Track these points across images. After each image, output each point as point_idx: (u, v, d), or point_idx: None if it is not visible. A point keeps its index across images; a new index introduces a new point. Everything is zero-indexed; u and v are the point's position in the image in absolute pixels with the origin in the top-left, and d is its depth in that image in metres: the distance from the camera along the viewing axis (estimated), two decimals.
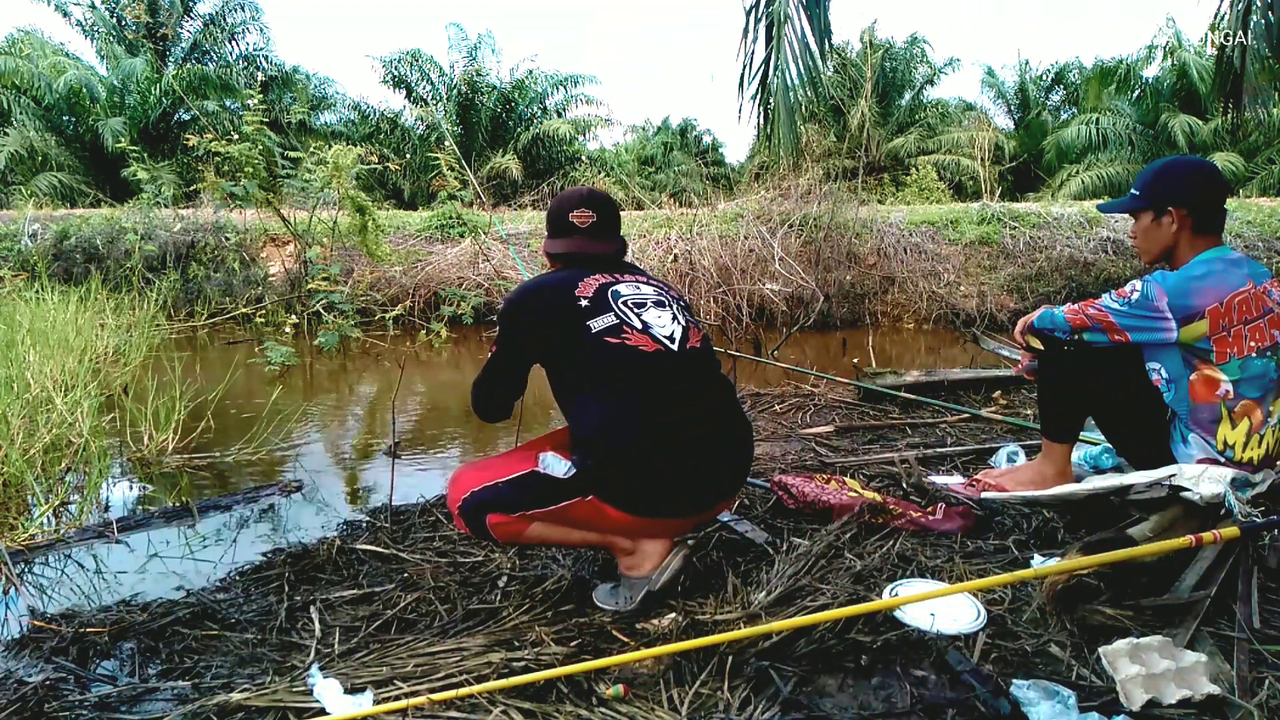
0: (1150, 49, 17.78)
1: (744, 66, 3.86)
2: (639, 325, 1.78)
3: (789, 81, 3.74)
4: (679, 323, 1.84)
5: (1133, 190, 2.19)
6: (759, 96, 3.87)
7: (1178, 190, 2.10)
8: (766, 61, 3.78)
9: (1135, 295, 2.06)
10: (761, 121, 3.94)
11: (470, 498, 1.77)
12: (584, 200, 1.92)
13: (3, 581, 2.21)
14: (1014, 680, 1.42)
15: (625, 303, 1.81)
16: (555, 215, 1.93)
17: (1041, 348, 2.29)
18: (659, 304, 1.85)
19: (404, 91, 19.02)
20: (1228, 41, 4.18)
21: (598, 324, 1.76)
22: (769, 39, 3.73)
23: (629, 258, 2.15)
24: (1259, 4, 4.04)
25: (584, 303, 1.78)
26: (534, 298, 1.85)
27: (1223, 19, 4.27)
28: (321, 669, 1.56)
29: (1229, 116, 4.60)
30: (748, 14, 3.78)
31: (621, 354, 1.74)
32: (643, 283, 1.89)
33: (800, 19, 3.67)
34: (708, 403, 1.83)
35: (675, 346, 1.79)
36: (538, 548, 2.20)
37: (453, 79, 18.74)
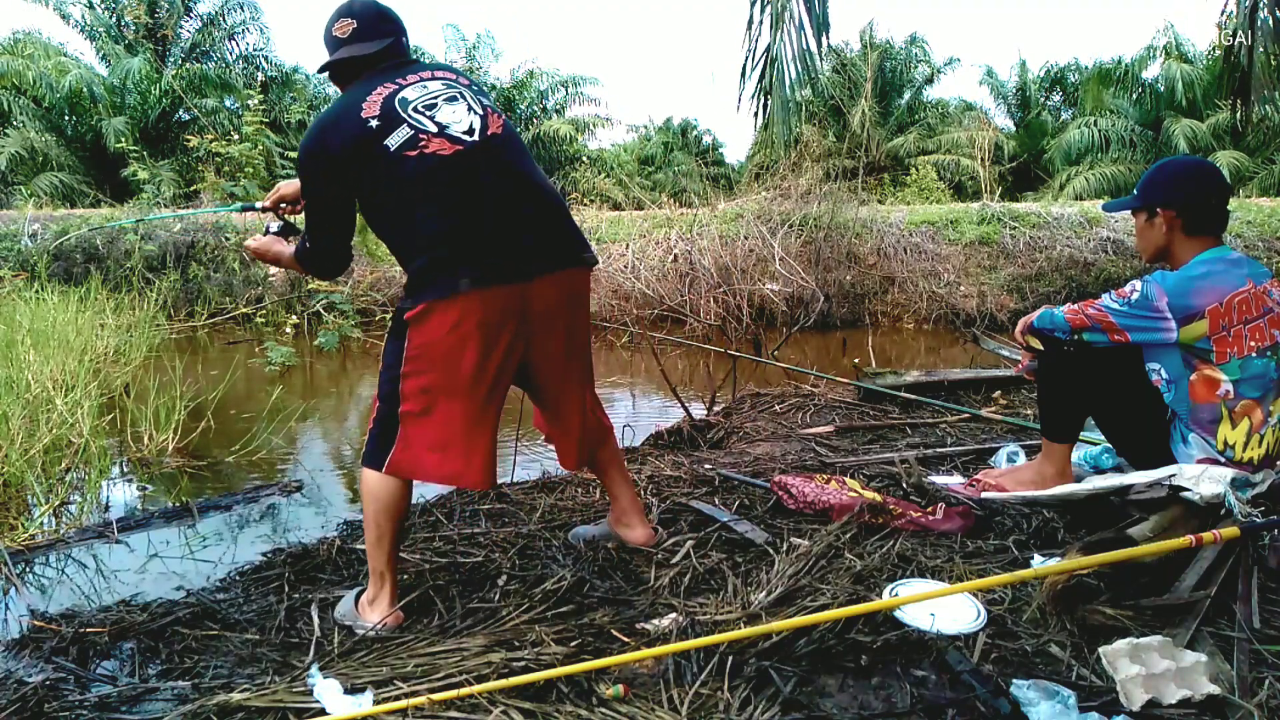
0: (1150, 49, 17.79)
1: (746, 59, 3.86)
2: (434, 129, 1.73)
3: (786, 76, 3.74)
4: (475, 113, 1.79)
5: (1135, 189, 2.20)
6: (758, 89, 3.87)
7: (1167, 192, 2.11)
8: (767, 53, 3.79)
9: (1135, 295, 2.06)
10: (760, 114, 3.95)
11: (373, 459, 1.80)
12: (342, 12, 1.87)
13: (3, 581, 2.21)
14: (1014, 680, 1.42)
15: (415, 109, 1.75)
16: (324, 37, 1.88)
17: (1041, 348, 2.30)
18: (451, 99, 1.79)
19: None
20: (1234, 40, 4.19)
21: (394, 141, 1.70)
22: (772, 31, 3.74)
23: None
24: (1266, 2, 4.04)
25: (374, 124, 1.72)
26: (329, 134, 1.77)
27: (1230, 17, 4.27)
28: (321, 669, 1.56)
29: (1237, 115, 4.59)
30: (752, 6, 3.79)
31: (423, 165, 1.70)
32: (428, 79, 1.82)
33: (799, 10, 3.67)
34: (516, 183, 1.79)
35: (476, 138, 1.75)
36: (539, 550, 2.20)
37: None
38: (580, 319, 1.95)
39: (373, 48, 1.84)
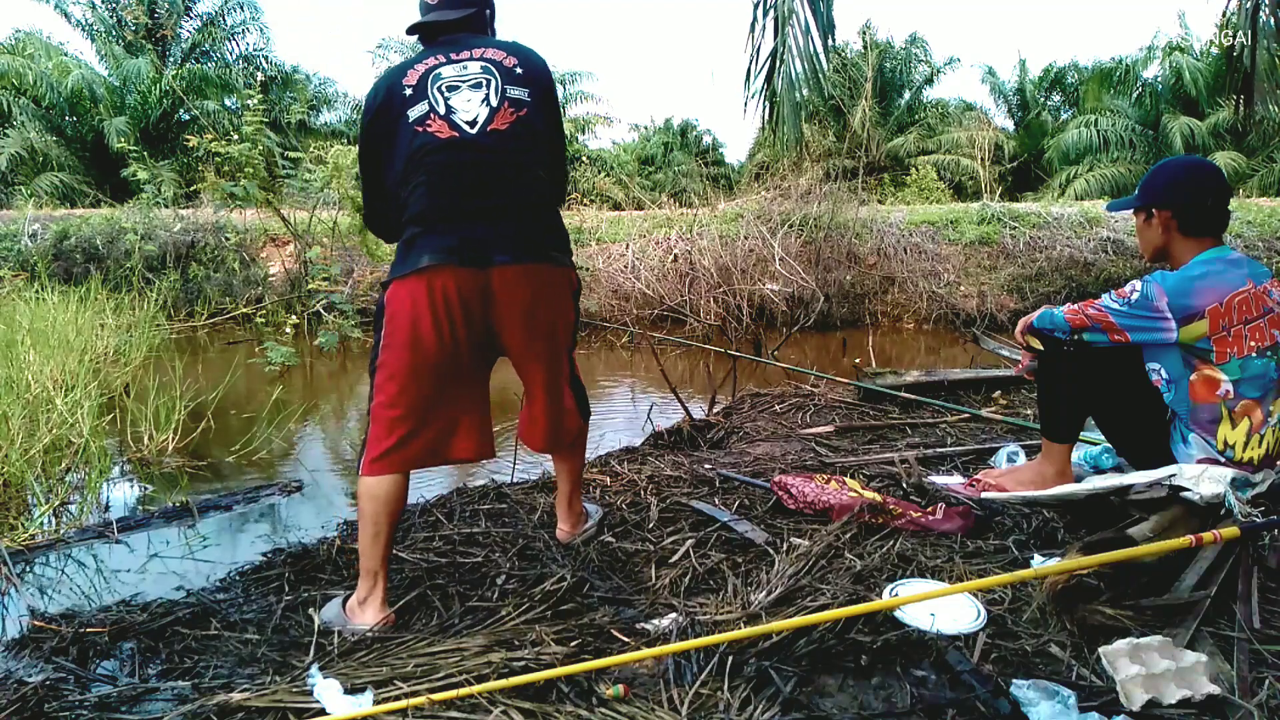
0: (1150, 49, 17.81)
1: (750, 61, 3.86)
2: (442, 111, 1.79)
3: (793, 78, 3.74)
4: (489, 104, 1.82)
5: (1136, 188, 2.21)
6: (763, 92, 3.87)
7: (1163, 193, 2.12)
8: (772, 56, 3.78)
9: (1135, 295, 2.06)
10: (766, 117, 3.94)
11: (360, 459, 1.86)
12: None
13: (3, 582, 2.21)
14: (1014, 680, 1.42)
15: (440, 87, 1.82)
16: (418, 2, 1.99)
17: (1041, 348, 2.30)
18: (476, 85, 1.83)
19: None
20: (1234, 40, 4.20)
21: (414, 112, 1.79)
22: (776, 33, 3.74)
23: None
24: (1267, 2, 4.05)
25: (408, 91, 1.81)
26: (378, 88, 1.86)
27: (1231, 18, 4.28)
28: (321, 669, 1.56)
29: (1239, 114, 4.62)
30: (755, 7, 3.79)
31: (421, 141, 1.78)
32: (474, 58, 1.86)
33: (804, 13, 3.67)
34: (500, 178, 1.81)
35: (473, 131, 1.79)
36: (539, 550, 2.20)
37: None
38: (542, 310, 1.91)
39: (453, 14, 1.93)
